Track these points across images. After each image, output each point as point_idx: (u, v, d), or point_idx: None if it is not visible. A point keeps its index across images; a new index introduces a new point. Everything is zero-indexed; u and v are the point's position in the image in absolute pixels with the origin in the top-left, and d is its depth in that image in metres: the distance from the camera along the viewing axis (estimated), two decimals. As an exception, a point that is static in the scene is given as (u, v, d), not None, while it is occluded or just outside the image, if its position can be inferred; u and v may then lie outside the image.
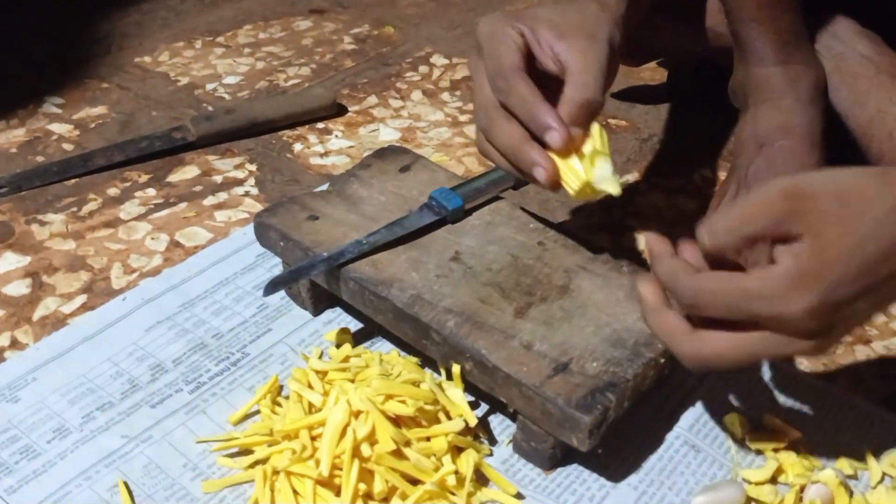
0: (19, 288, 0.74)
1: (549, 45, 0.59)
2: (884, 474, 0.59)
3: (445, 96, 1.03)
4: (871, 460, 0.59)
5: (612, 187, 0.59)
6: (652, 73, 1.06)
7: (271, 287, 0.63)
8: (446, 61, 1.11)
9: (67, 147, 0.93)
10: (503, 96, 0.59)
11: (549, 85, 0.60)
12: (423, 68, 1.09)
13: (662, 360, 0.58)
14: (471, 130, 0.96)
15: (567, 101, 0.58)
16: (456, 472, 0.56)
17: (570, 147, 0.58)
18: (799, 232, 0.47)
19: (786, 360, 0.66)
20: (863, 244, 0.47)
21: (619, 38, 0.61)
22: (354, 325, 0.69)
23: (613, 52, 0.60)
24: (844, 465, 0.59)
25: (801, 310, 0.47)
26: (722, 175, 0.88)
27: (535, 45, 0.60)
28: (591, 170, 0.58)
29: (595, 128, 0.59)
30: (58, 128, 0.96)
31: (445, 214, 0.67)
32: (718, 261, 0.51)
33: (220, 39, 1.16)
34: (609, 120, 0.98)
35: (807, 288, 0.47)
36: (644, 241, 0.54)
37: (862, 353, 0.69)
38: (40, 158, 0.91)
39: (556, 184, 0.59)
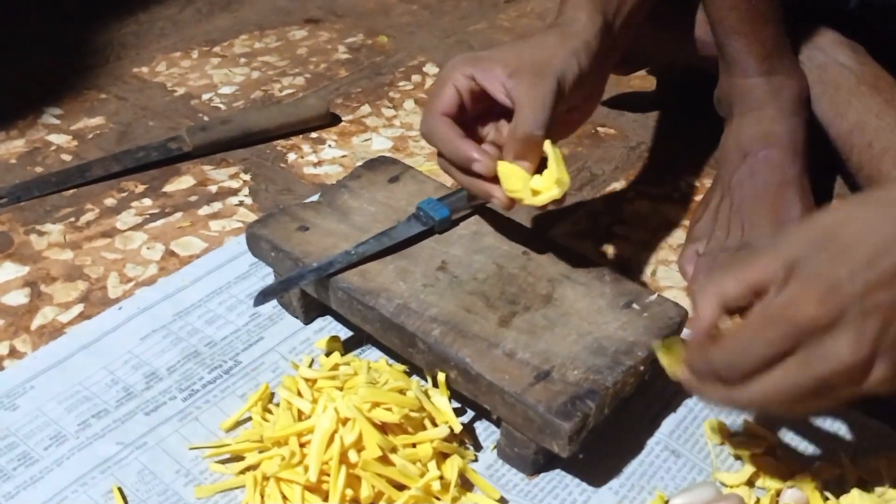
0: (18, 297, 0.76)
1: (501, 82, 0.63)
2: (859, 478, 0.60)
3: (438, 105, 1.05)
4: (846, 465, 0.60)
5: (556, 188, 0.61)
6: (641, 82, 1.08)
7: (261, 297, 0.64)
8: (438, 70, 1.12)
9: (66, 158, 0.95)
10: (428, 140, 0.64)
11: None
12: (415, 77, 1.11)
13: (642, 368, 0.60)
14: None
15: (509, 135, 0.62)
16: (441, 478, 0.57)
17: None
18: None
19: (841, 389, 0.50)
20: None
21: (577, 67, 0.64)
22: (345, 333, 0.71)
23: (561, 85, 0.63)
24: (821, 469, 0.60)
25: (810, 304, 0.46)
26: (707, 183, 0.90)
27: (488, 84, 0.63)
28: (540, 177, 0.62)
29: (547, 144, 0.62)
30: (56, 138, 0.98)
31: (433, 224, 0.68)
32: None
33: (217, 49, 1.17)
34: (598, 128, 1.00)
35: (814, 288, 0.47)
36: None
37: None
38: (39, 169, 0.93)
39: (513, 206, 0.63)
